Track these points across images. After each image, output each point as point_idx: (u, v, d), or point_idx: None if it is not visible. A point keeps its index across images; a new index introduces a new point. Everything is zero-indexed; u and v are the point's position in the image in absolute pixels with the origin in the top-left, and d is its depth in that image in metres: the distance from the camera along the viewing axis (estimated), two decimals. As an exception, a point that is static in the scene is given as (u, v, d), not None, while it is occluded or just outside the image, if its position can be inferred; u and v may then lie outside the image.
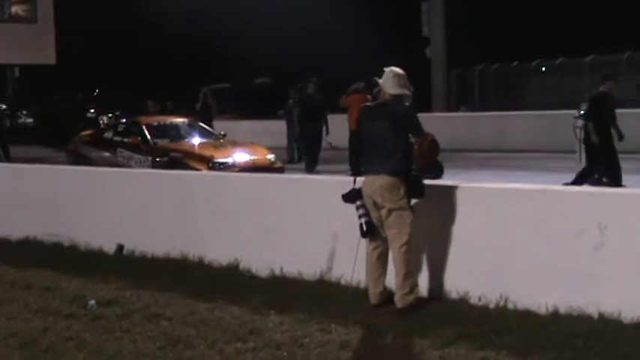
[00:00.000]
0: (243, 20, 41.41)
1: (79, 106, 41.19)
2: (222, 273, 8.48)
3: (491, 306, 6.78)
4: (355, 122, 10.50)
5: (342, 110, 16.95)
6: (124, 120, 20.79)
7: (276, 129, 23.41)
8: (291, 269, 8.09)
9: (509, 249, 6.87)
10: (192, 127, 17.71)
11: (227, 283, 8.05)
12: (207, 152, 15.62)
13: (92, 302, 7.52)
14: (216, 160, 15.23)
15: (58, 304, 7.60)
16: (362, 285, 7.42)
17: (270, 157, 16.02)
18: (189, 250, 9.03)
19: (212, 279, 8.24)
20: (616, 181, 12.20)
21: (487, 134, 22.59)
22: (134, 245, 9.56)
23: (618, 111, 13.09)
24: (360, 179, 7.18)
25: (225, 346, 6.20)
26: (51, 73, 34.95)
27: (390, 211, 6.94)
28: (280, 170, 15.41)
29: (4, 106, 25.41)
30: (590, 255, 6.44)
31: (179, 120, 18.24)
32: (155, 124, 17.43)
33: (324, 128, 18.38)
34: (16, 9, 27.70)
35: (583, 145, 13.26)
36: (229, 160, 15.37)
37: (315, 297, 7.35)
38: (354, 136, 13.87)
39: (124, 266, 9.01)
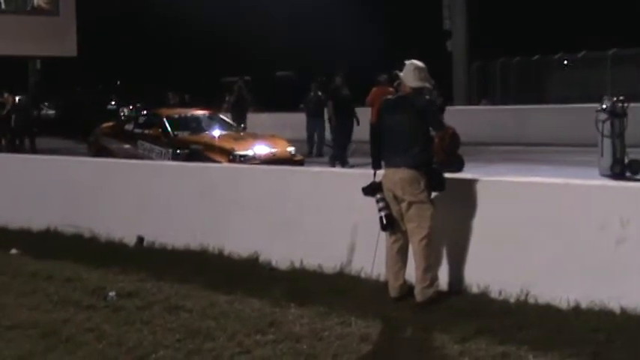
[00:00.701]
0: (265, 14, 41.37)
1: (100, 98, 41.49)
2: (242, 265, 8.49)
3: (512, 300, 6.74)
4: (376, 115, 10.44)
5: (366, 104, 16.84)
6: (144, 112, 20.86)
7: (297, 121, 23.40)
8: (311, 262, 8.08)
9: (530, 243, 6.83)
10: (212, 120, 17.78)
11: (247, 275, 8.06)
12: (228, 145, 15.63)
13: (112, 294, 7.54)
14: (236, 153, 15.25)
15: (79, 296, 7.64)
16: (382, 278, 7.40)
17: (291, 149, 16.03)
18: (209, 242, 9.04)
19: (232, 271, 8.24)
20: None
21: (508, 128, 22.42)
22: (154, 237, 9.59)
23: None
24: (380, 172, 7.17)
25: (244, 338, 6.19)
26: (72, 65, 35.07)
27: (410, 205, 6.92)
28: (300, 163, 15.41)
29: (22, 98, 25.44)
30: (611, 249, 6.39)
31: (200, 112, 18.30)
32: (176, 116, 17.51)
33: (354, 122, 18.24)
34: (38, 1, 27.78)
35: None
36: (250, 152, 15.39)
37: (335, 290, 7.34)
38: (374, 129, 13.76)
39: (144, 258, 9.03)
